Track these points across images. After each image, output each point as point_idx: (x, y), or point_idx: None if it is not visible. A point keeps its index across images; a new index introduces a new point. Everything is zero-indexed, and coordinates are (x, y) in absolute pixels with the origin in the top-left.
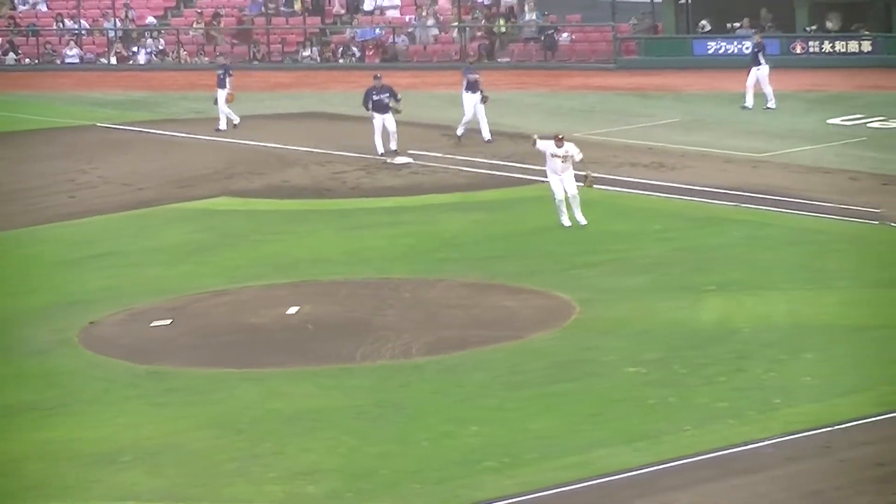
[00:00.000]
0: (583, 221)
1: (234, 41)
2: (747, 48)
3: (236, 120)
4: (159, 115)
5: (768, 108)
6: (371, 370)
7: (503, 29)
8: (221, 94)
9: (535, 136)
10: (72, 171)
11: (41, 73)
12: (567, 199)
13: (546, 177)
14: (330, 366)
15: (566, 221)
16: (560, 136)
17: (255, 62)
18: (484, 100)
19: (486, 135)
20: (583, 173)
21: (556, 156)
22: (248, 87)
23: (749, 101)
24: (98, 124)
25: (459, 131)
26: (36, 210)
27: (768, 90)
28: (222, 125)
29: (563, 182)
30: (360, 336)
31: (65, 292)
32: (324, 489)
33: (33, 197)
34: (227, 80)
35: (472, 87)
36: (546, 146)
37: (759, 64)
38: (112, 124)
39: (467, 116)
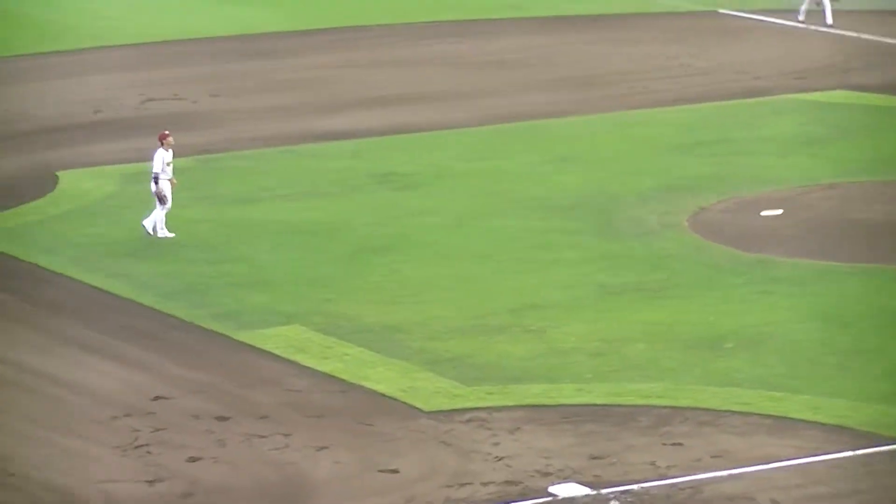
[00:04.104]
0: None
1: None
2: None
3: (829, 20)
4: (780, 4)
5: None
6: None
7: None
8: None
9: None
10: (683, 56)
11: None
12: None
13: None
14: None
15: None
16: None
17: None
18: None
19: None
20: None
21: None
22: None
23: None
24: (719, 10)
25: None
26: (640, 94)
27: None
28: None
29: None
30: None
31: (674, 176)
32: None
33: (638, 80)
34: None
35: None
36: None
37: None
38: (733, 11)
39: None
